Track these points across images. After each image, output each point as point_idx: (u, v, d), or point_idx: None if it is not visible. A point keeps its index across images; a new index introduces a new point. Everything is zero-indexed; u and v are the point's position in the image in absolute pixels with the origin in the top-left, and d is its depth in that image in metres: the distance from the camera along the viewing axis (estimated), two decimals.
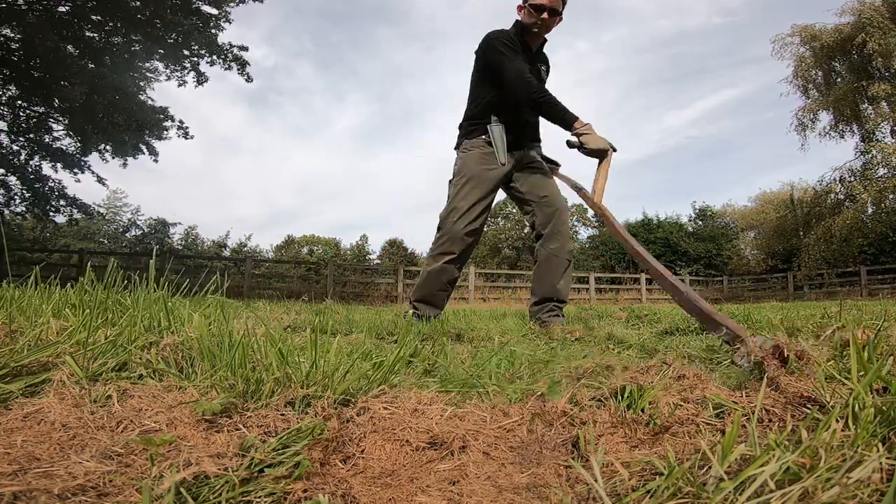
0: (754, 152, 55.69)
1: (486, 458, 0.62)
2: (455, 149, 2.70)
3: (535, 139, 2.73)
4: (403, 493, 0.55)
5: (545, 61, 2.73)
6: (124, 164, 13.60)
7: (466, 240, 2.49)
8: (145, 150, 13.66)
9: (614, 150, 2.37)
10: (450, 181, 2.64)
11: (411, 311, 2.54)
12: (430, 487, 0.55)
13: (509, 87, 2.43)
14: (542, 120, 2.65)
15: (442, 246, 2.49)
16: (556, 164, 2.74)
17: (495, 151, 2.51)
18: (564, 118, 2.37)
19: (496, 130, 2.51)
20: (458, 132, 2.71)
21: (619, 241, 2.47)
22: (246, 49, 12.76)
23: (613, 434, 0.65)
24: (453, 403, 0.79)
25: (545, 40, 2.67)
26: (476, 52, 2.59)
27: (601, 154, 2.35)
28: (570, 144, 2.43)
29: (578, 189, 2.43)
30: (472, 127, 2.60)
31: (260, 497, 0.51)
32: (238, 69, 12.67)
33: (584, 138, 2.34)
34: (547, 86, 2.72)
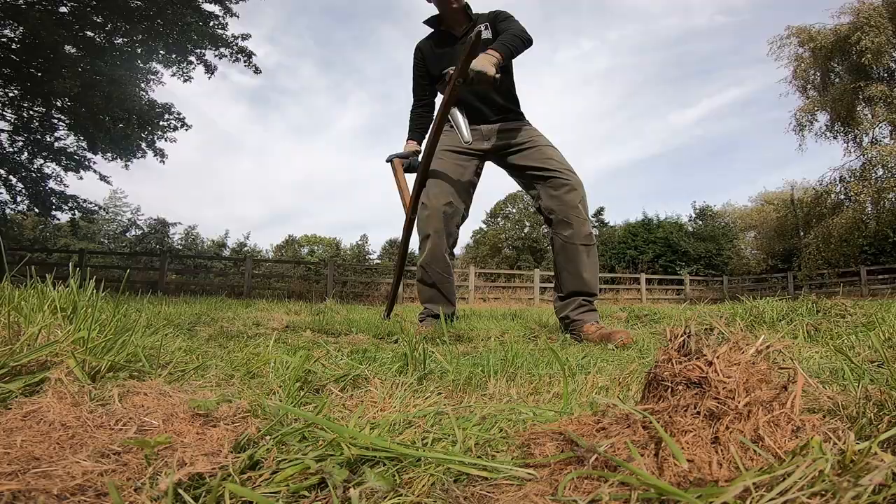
0: (759, 152, 55.77)
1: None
2: None
3: (505, 116, 2.53)
4: None
5: (486, 19, 2.50)
6: (126, 167, 13.33)
7: (438, 212, 2.41)
8: (148, 151, 13.38)
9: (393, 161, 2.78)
10: None
11: (421, 313, 2.53)
12: None
13: None
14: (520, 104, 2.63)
15: (420, 231, 2.49)
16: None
17: (458, 132, 2.51)
18: None
19: (455, 114, 2.52)
20: None
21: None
22: (248, 37, 12.38)
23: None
24: (443, 400, 0.79)
25: (467, 8, 2.53)
26: None
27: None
28: None
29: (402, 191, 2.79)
30: None
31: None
32: (244, 60, 12.37)
33: None
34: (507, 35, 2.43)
